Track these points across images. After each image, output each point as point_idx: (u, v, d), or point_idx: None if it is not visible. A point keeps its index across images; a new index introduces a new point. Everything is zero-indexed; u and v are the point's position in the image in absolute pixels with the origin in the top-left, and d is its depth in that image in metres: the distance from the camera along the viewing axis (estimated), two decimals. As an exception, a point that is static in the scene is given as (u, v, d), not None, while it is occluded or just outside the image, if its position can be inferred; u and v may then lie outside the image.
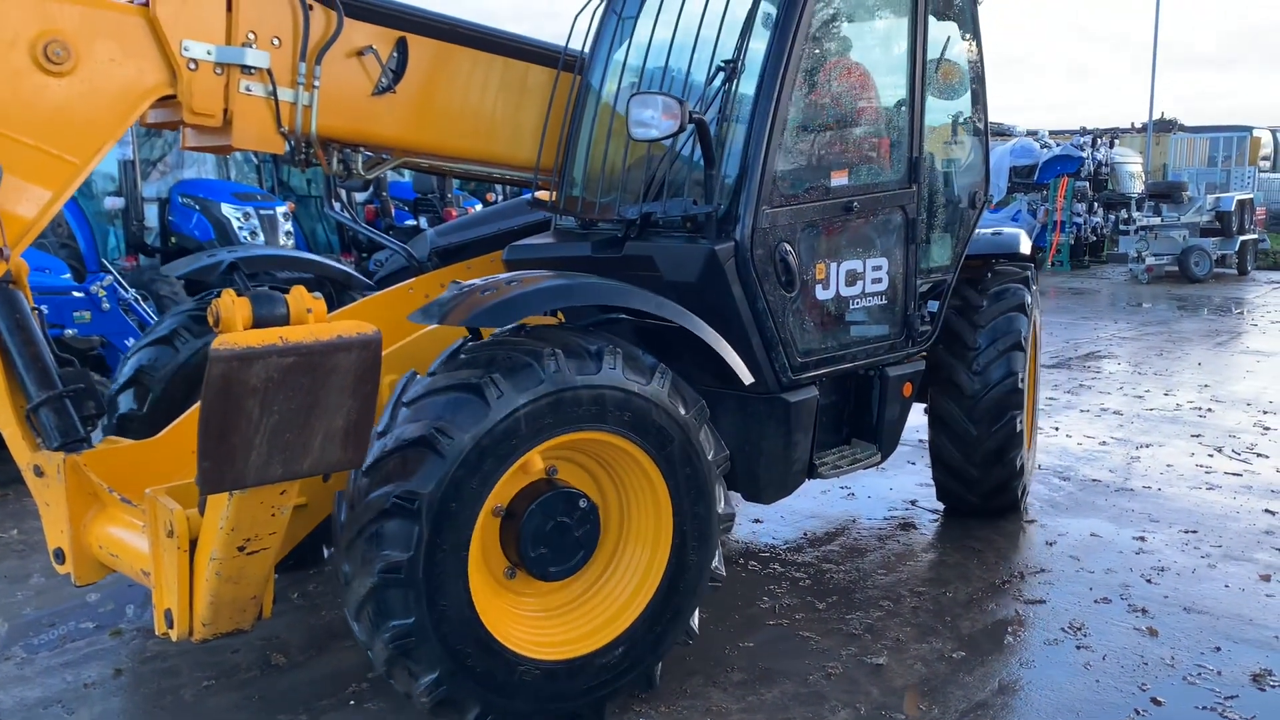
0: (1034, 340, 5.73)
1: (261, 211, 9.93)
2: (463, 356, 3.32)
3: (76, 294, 7.02)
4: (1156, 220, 17.98)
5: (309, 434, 2.74)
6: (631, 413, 3.42)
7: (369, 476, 3.14)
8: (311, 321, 2.93)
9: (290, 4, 3.89)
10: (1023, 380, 5.26)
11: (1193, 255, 17.49)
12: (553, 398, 3.24)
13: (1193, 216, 17.90)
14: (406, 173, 12.79)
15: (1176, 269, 17.77)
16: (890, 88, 4.66)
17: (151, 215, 9.62)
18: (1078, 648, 4.20)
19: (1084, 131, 24.32)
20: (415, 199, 13.32)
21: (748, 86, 4.11)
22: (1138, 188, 20.53)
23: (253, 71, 3.79)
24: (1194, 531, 5.51)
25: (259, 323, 2.84)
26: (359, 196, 11.21)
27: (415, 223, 12.52)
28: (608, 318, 3.99)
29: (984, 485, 5.41)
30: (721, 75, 4.08)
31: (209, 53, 3.66)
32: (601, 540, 3.67)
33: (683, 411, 3.56)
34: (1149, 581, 4.86)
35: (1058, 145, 21.11)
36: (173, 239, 9.66)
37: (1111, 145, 21.66)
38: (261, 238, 9.74)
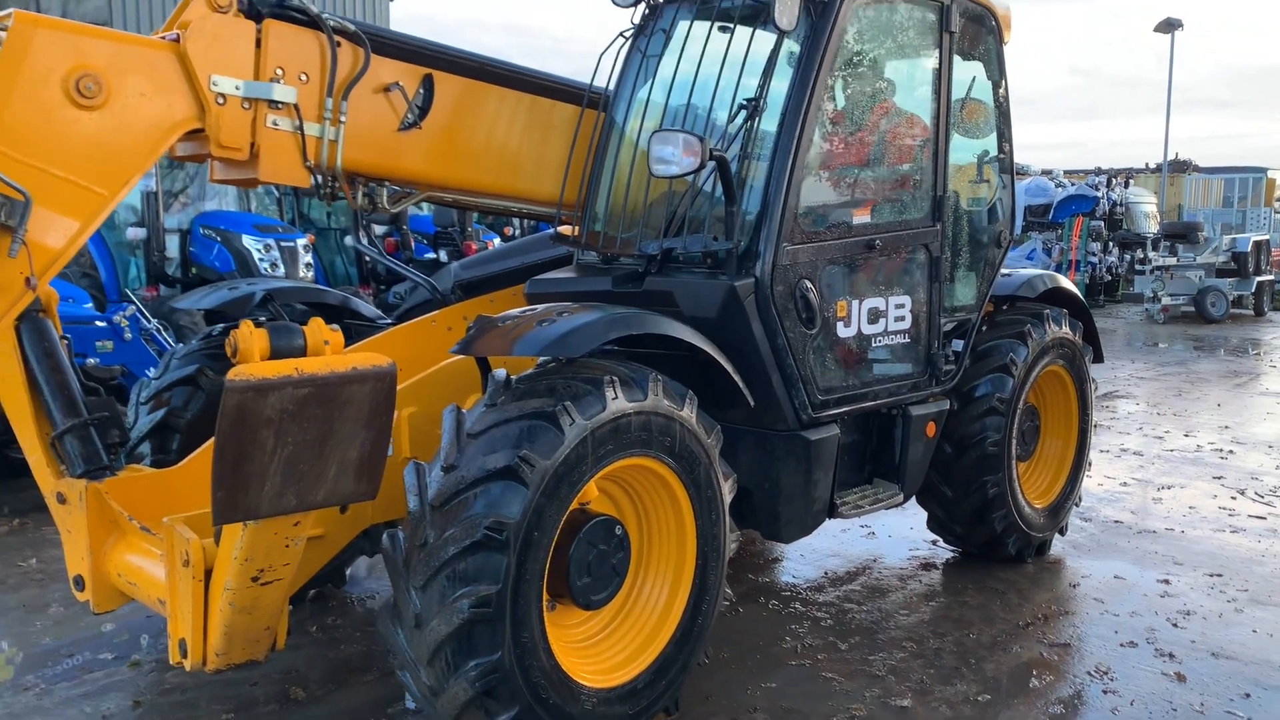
0: None
1: (282, 243, 10.00)
2: (520, 387, 3.32)
3: (99, 323, 7.07)
4: (1172, 260, 17.96)
5: (323, 465, 2.74)
6: (671, 437, 3.52)
7: (443, 512, 3.08)
8: (328, 353, 2.94)
9: (318, 40, 3.93)
10: None
11: (1209, 296, 17.45)
12: (613, 424, 3.30)
13: (1209, 257, 17.88)
14: (426, 206, 12.86)
15: (1192, 309, 17.71)
16: (915, 126, 4.67)
17: (173, 246, 9.70)
18: (1104, 692, 4.14)
19: (1099, 171, 24.37)
20: (435, 232, 13.40)
21: (770, 124, 4.12)
22: (1153, 228, 20.52)
23: (280, 106, 3.81)
24: (1219, 575, 5.44)
25: (276, 354, 2.85)
26: (378, 229, 11.30)
27: (435, 256, 12.59)
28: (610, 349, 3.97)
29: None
30: (744, 113, 4.10)
31: (237, 88, 3.69)
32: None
33: (706, 437, 3.66)
34: (1175, 625, 4.79)
35: (1072, 184, 21.17)
36: (193, 270, 9.74)
37: (1126, 185, 21.69)
38: (282, 269, 9.80)
